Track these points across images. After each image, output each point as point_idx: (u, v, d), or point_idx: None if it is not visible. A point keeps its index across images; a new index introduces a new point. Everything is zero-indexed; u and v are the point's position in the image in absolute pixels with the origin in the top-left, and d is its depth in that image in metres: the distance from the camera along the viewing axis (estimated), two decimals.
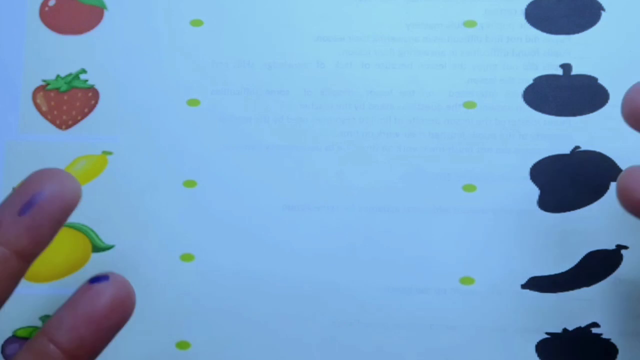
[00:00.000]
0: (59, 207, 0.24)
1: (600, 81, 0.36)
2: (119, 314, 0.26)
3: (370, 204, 0.35)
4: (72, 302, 0.26)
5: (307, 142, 0.36)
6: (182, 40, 0.37)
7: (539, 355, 0.34)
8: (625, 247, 0.34)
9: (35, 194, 0.24)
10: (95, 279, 0.26)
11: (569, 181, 0.35)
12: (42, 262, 0.35)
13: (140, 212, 0.36)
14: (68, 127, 0.37)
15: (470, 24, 0.37)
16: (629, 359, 0.34)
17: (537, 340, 0.34)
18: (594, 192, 0.35)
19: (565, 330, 0.34)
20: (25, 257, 0.24)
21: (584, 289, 0.34)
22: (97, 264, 0.35)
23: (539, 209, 0.35)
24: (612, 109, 0.36)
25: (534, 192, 0.35)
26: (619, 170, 0.35)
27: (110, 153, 0.36)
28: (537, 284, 0.34)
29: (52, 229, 0.24)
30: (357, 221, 0.35)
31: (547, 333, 0.34)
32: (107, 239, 0.36)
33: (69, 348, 0.25)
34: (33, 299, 0.35)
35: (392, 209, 0.35)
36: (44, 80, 0.37)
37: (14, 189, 0.24)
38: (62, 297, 0.35)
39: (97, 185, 0.36)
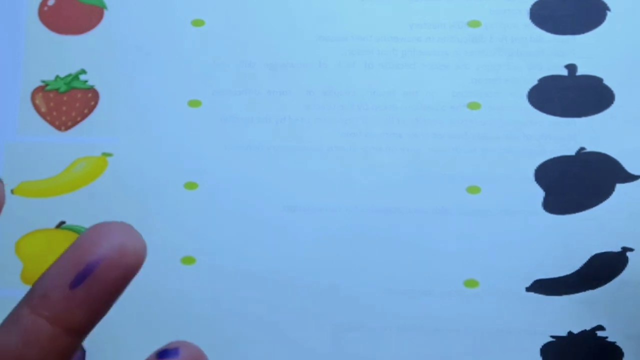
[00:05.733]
0: (118, 275, 0.20)
1: (606, 82, 0.36)
2: None
3: (373, 206, 0.35)
4: None
5: (309, 143, 0.36)
6: (183, 40, 0.37)
7: (544, 359, 0.34)
8: (631, 250, 0.34)
9: (89, 263, 0.20)
10: (164, 354, 0.21)
11: (574, 183, 0.35)
12: (42, 265, 0.35)
13: (140, 215, 0.35)
14: (67, 128, 0.37)
15: (474, 24, 0.37)
16: None
17: (542, 344, 0.34)
18: (599, 194, 0.35)
19: (570, 333, 0.34)
20: (78, 333, 0.21)
21: (589, 292, 0.34)
22: None
23: (543, 211, 0.35)
24: (618, 110, 0.35)
25: (539, 193, 0.35)
26: (624, 171, 0.35)
27: (110, 154, 0.36)
28: (542, 286, 0.34)
29: (109, 301, 0.20)
30: (360, 223, 0.35)
31: (551, 336, 0.34)
32: None
33: None
34: None
35: (395, 210, 0.35)
36: (43, 81, 0.37)
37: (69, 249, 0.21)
38: None
39: (97, 187, 0.36)
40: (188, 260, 0.35)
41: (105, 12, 0.38)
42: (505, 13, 0.37)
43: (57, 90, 0.37)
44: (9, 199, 0.36)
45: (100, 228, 0.20)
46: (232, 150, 0.36)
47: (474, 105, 0.36)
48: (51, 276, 0.20)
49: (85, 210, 0.36)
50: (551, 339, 0.34)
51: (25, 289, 0.36)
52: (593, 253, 0.34)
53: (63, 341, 0.20)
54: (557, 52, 0.36)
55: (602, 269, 0.34)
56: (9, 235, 0.35)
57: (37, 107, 0.37)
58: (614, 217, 0.35)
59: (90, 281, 0.20)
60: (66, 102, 0.37)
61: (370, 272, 0.35)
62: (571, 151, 0.35)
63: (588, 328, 0.34)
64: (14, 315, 0.21)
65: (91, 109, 0.37)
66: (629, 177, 0.35)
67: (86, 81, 0.37)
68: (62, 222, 0.36)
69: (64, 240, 0.35)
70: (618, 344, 0.34)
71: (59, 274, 0.20)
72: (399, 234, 0.35)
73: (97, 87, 0.37)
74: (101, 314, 0.21)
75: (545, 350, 0.34)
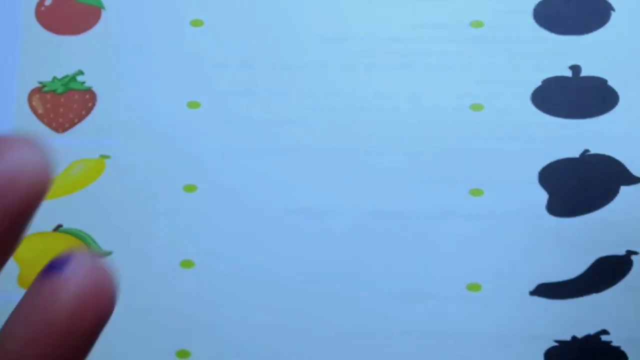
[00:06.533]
0: (13, 196, 0.16)
1: (610, 83, 0.36)
2: (91, 313, 0.17)
3: (375, 209, 0.35)
4: (25, 305, 0.18)
5: (310, 145, 0.36)
6: (182, 40, 0.37)
7: None
8: (635, 253, 0.34)
9: None
10: (51, 267, 0.18)
11: (578, 185, 0.35)
12: (40, 269, 0.35)
13: (138, 218, 0.35)
14: (65, 130, 0.36)
15: (477, 24, 0.36)
16: None
17: (546, 348, 0.34)
18: (604, 197, 0.35)
19: (574, 337, 0.34)
20: None
21: (594, 296, 0.34)
22: None
23: (547, 214, 0.35)
24: (622, 111, 0.35)
25: (543, 196, 0.35)
26: (629, 174, 0.35)
27: (107, 157, 0.36)
28: (546, 290, 0.34)
29: (10, 224, 0.17)
30: (362, 226, 0.35)
31: (555, 340, 0.34)
32: (104, 245, 0.35)
33: None
34: None
35: (397, 213, 0.35)
36: (40, 82, 0.37)
37: None
38: None
39: (95, 190, 0.35)
40: (187, 264, 0.35)
41: (103, 12, 0.37)
42: (509, 13, 0.36)
43: (54, 91, 0.37)
44: None
45: None
46: (231, 152, 0.36)
47: (477, 107, 0.36)
48: None
49: (82, 213, 0.35)
50: (555, 344, 0.34)
51: (22, 292, 0.35)
52: (597, 256, 0.34)
53: None
54: (561, 53, 0.36)
55: (606, 272, 0.34)
56: None
57: (34, 109, 0.36)
58: (618, 220, 0.34)
59: None
60: (63, 104, 0.36)
61: (372, 276, 0.34)
62: (575, 153, 0.35)
63: (592, 332, 0.34)
64: None
65: (89, 110, 0.36)
66: (633, 180, 0.35)
67: (84, 82, 0.37)
68: (60, 226, 0.35)
69: (61, 244, 0.35)
70: (622, 348, 0.33)
71: None
72: (401, 237, 0.35)
73: (95, 89, 0.37)
74: (11, 238, 0.17)
75: (549, 354, 0.33)
